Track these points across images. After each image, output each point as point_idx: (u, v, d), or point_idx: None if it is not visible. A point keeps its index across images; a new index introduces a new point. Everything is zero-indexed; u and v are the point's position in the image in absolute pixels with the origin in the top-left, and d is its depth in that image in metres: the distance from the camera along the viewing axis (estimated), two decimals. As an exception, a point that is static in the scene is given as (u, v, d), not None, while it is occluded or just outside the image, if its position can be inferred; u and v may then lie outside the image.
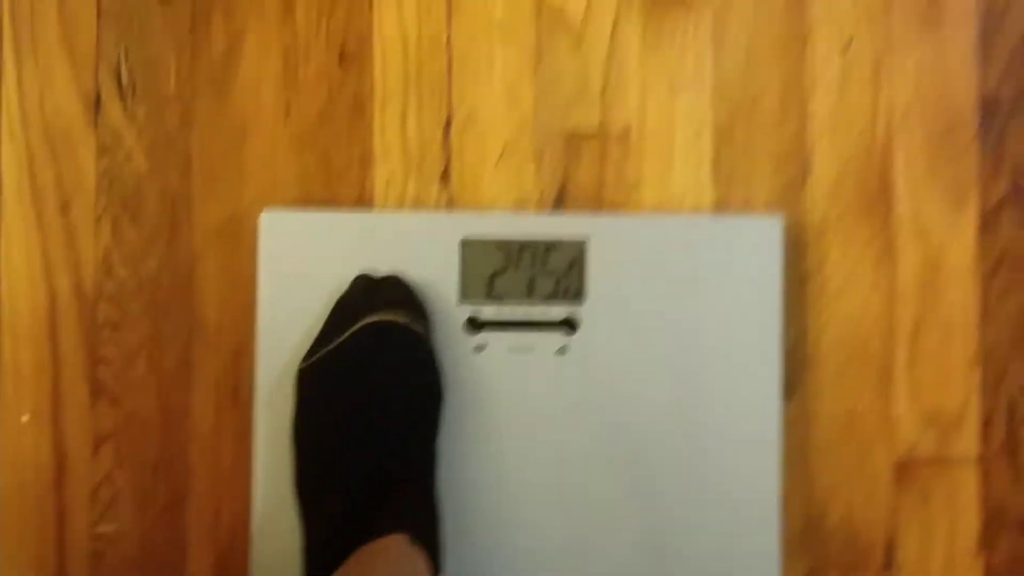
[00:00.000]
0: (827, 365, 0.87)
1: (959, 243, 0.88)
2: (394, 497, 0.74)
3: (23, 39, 0.84)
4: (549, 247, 0.84)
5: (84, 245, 0.83)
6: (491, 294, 0.83)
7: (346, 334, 0.77)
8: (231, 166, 0.84)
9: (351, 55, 0.85)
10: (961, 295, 0.88)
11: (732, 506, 0.84)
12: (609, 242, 0.84)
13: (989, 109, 0.88)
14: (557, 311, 0.83)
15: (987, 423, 0.87)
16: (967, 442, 0.87)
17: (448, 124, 0.86)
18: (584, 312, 0.84)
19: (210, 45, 0.85)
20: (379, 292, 0.80)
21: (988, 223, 0.88)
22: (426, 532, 0.75)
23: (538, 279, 0.84)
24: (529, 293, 0.84)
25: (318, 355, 0.78)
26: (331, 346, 0.78)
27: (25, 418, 0.82)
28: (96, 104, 0.84)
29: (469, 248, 0.84)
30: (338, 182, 0.85)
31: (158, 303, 0.83)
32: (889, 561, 0.86)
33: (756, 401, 0.84)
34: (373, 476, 0.74)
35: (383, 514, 0.73)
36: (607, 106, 0.86)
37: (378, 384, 0.76)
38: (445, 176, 0.85)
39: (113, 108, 0.84)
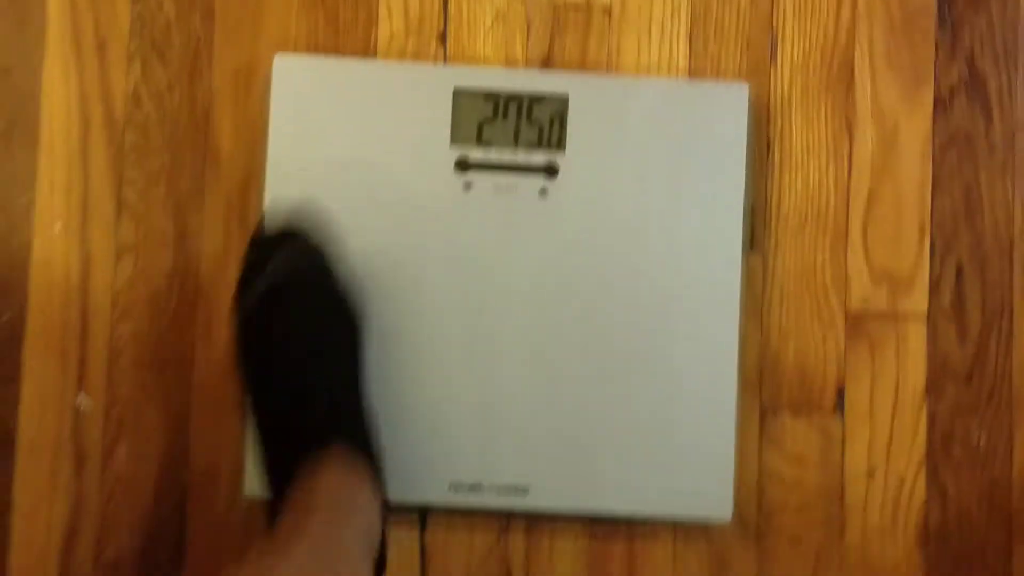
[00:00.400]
0: (787, 224, 0.94)
1: (914, 122, 0.95)
2: (340, 414, 0.80)
3: (73, -101, 0.94)
4: (534, 99, 0.92)
5: (116, 80, 0.93)
6: (480, 139, 0.92)
7: (263, 282, 0.82)
8: (249, 17, 0.94)
9: (364, -76, 0.95)
10: (914, 169, 0.95)
11: (695, 348, 0.91)
12: (589, 99, 0.92)
13: (947, 1, 0.96)
14: (539, 158, 0.92)
15: (935, 284, 0.94)
16: (917, 300, 0.94)
17: (448, -9, 0.95)
18: (564, 160, 0.92)
19: (237, -89, 0.95)
20: (284, 238, 0.85)
21: (942, 105, 0.95)
22: (367, 446, 0.81)
23: (523, 128, 0.92)
24: (515, 140, 0.92)
25: (246, 302, 0.83)
26: (254, 294, 0.82)
27: (57, 227, 0.91)
28: (135, -43, 0.94)
29: (461, 97, 0.92)
30: (345, 37, 0.94)
31: (179, 134, 0.92)
32: (839, 404, 0.93)
33: (720, 252, 0.92)
34: (320, 398, 0.80)
35: (329, 429, 0.79)
36: (594, -19, 0.95)
37: (305, 324, 0.81)
38: (442, 37, 0.94)
39: (149, -39, 0.94)
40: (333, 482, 0.76)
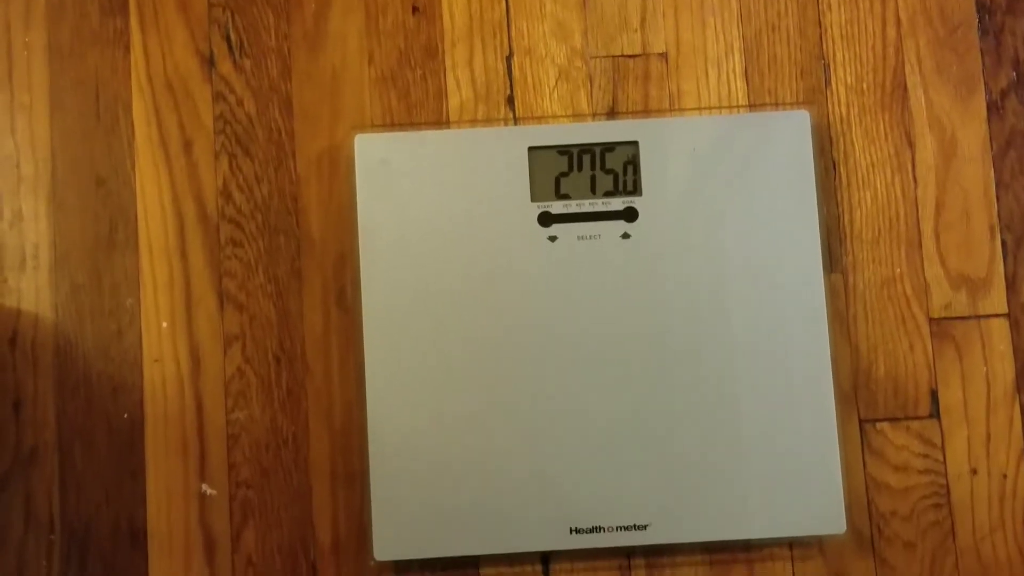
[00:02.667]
0: (862, 240, 0.97)
1: (970, 128, 0.99)
2: None
3: (146, 11, 0.98)
4: (606, 149, 0.96)
5: (206, 177, 0.97)
6: (558, 193, 0.95)
7: None
8: (326, 104, 0.98)
9: (423, 6, 0.99)
10: (976, 173, 0.98)
11: (789, 370, 0.93)
12: (658, 141, 0.96)
13: (987, 10, 1.00)
14: (617, 203, 0.95)
15: (1012, 282, 0.97)
16: (996, 300, 0.97)
17: (509, 57, 0.99)
18: (642, 203, 0.95)
19: (302, 6, 0.99)
20: None
21: (995, 109, 0.99)
22: None
23: (598, 178, 0.96)
24: (592, 190, 0.96)
25: None
26: None
27: (164, 325, 0.95)
28: (210, 61, 0.98)
29: (536, 154, 0.96)
30: (418, 111, 0.98)
31: (271, 222, 0.96)
32: (934, 408, 0.95)
33: (801, 276, 0.95)
34: None
35: None
36: (647, 33, 0.99)
37: None
38: (510, 100, 0.98)
39: (224, 63, 0.98)
40: None
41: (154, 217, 0.96)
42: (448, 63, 0.99)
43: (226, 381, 0.94)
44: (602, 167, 0.95)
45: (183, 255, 0.96)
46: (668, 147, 0.95)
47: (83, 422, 0.94)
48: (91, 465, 0.94)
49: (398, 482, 0.91)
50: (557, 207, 0.95)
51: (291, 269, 0.96)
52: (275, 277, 0.96)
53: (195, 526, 0.93)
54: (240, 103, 0.98)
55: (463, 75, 0.98)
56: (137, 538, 0.93)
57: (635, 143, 0.95)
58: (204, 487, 0.93)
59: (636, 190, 0.95)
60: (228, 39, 0.98)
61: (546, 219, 0.95)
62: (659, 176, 0.95)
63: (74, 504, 0.93)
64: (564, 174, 0.95)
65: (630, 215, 0.95)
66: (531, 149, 0.95)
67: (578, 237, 0.94)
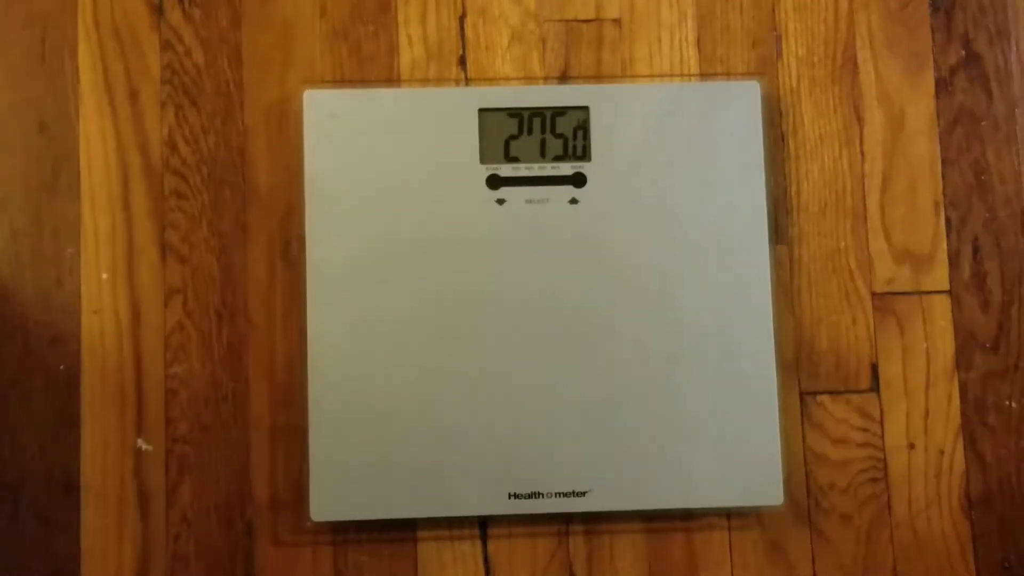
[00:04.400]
0: (808, 213, 0.97)
1: (919, 104, 0.99)
2: None
3: (95, -44, 0.97)
4: (556, 113, 0.95)
5: (151, 127, 0.95)
6: (508, 156, 0.95)
7: None
8: (276, 57, 0.97)
9: (377, -40, 0.98)
10: (923, 149, 0.99)
11: (732, 340, 0.94)
12: (609, 107, 0.96)
13: (938, -12, 1.00)
14: (567, 168, 0.95)
15: (955, 259, 0.98)
16: (938, 276, 0.97)
17: (463, 17, 0.98)
18: (591, 169, 0.95)
19: (255, -44, 0.98)
20: None
21: (943, 86, 0.99)
22: None
23: (548, 142, 0.95)
24: (541, 154, 0.95)
25: None
26: None
27: (104, 276, 0.94)
28: (159, 9, 0.97)
29: (486, 116, 0.95)
30: (369, 67, 0.97)
31: (216, 174, 0.95)
32: (874, 382, 0.96)
33: (748, 246, 0.95)
34: None
35: None
36: (601, -3, 0.99)
37: None
38: (462, 61, 0.98)
39: (173, 12, 0.97)
40: None
41: (97, 165, 0.95)
42: (401, 19, 0.98)
43: (166, 334, 0.93)
44: (552, 131, 0.95)
45: (126, 205, 0.94)
46: (619, 113, 0.95)
47: (19, 371, 0.92)
48: (26, 415, 0.92)
49: (337, 442, 0.91)
50: (506, 170, 0.94)
51: (236, 222, 0.95)
52: (219, 230, 0.95)
53: (130, 480, 0.92)
54: (188, 53, 0.96)
55: (415, 32, 0.98)
56: (70, 490, 0.92)
57: (586, 108, 0.95)
58: (140, 442, 0.92)
59: (586, 155, 0.95)
60: (178, -13, 0.97)
61: (494, 182, 0.94)
62: (609, 142, 0.95)
63: (7, 454, 0.92)
64: (514, 137, 0.95)
65: (579, 180, 0.94)
66: (481, 111, 0.95)
67: (526, 201, 0.94)
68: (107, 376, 0.92)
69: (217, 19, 0.96)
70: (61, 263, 0.93)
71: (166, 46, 0.96)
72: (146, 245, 0.94)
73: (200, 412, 0.93)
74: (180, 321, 0.93)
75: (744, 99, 0.96)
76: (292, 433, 0.92)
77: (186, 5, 0.96)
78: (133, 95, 0.95)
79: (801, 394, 0.96)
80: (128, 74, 0.96)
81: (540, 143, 0.95)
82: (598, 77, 0.97)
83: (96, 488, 0.92)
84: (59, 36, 0.96)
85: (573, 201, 0.94)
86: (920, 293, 0.97)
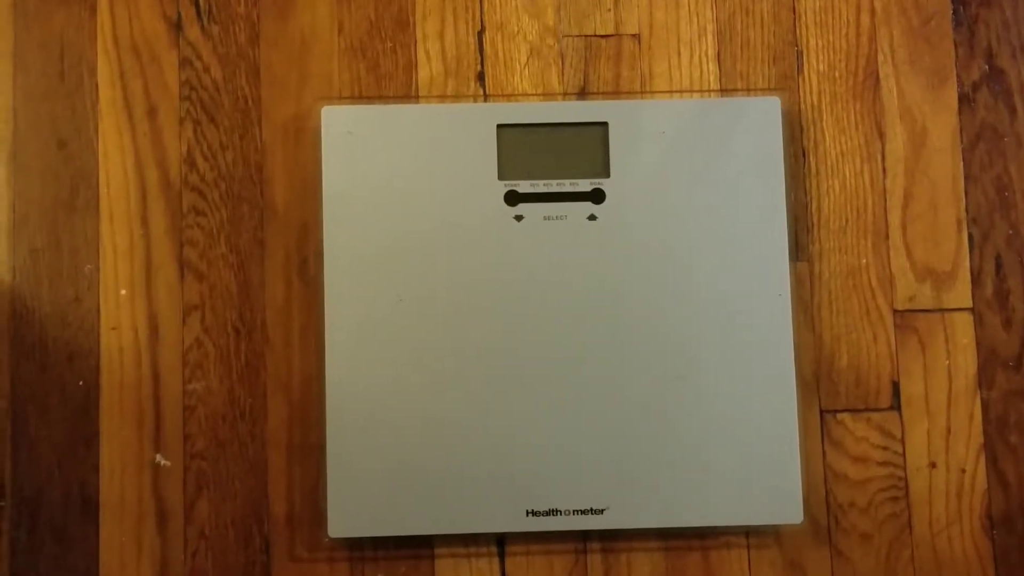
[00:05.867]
0: (829, 229, 0.97)
1: (941, 120, 0.98)
2: None
3: (114, -28, 0.97)
4: (575, 129, 0.95)
5: (170, 143, 0.95)
6: (526, 172, 0.95)
7: None
8: (293, 74, 0.97)
9: (396, -24, 0.98)
10: (945, 165, 0.98)
11: (752, 357, 0.93)
12: (628, 123, 0.95)
13: (961, 1, 0.99)
14: (585, 184, 0.94)
15: (977, 276, 0.97)
16: (960, 293, 0.96)
17: (481, 33, 0.98)
18: (609, 185, 0.94)
19: (274, -28, 0.98)
20: None
21: (966, 102, 0.98)
22: None
23: (567, 158, 0.95)
24: (560, 170, 0.95)
25: None
26: None
27: (123, 292, 0.94)
28: (177, 25, 0.97)
29: (505, 132, 0.95)
30: (387, 84, 0.97)
31: (234, 191, 0.95)
32: (895, 400, 0.95)
33: (767, 263, 0.94)
34: None
35: None
36: (620, 12, 0.98)
37: None
38: (480, 77, 0.97)
39: (192, 28, 0.97)
40: None
41: (116, 182, 0.95)
42: (419, 35, 0.98)
43: (184, 351, 0.93)
44: (571, 147, 0.95)
45: (144, 222, 0.95)
46: (638, 129, 0.95)
47: (38, 388, 0.93)
48: (44, 431, 0.92)
49: (355, 458, 0.90)
50: (524, 186, 0.94)
51: (253, 239, 0.95)
52: (237, 247, 0.95)
53: (148, 496, 0.92)
54: (207, 69, 0.96)
55: (433, 48, 0.97)
56: (89, 506, 0.92)
57: (605, 124, 0.95)
58: (158, 457, 0.92)
59: (604, 172, 0.94)
60: (197, 4, 0.97)
61: (513, 198, 0.94)
62: (628, 158, 0.94)
63: (26, 470, 0.92)
64: (532, 153, 0.95)
65: (597, 197, 0.94)
66: (500, 127, 0.95)
67: (544, 217, 0.94)
68: (125, 392, 0.93)
69: (235, 36, 0.97)
70: (79, 280, 0.94)
71: (185, 63, 0.96)
72: (164, 262, 0.94)
73: (218, 428, 0.93)
74: (198, 338, 0.93)
75: (764, 115, 0.95)
76: (309, 450, 0.92)
77: (204, 22, 0.97)
78: (152, 112, 0.95)
79: (821, 412, 0.95)
80: (147, 91, 0.96)
81: (559, 159, 0.95)
82: (617, 93, 0.97)
83: (114, 504, 0.92)
84: (78, 54, 0.96)
85: (592, 217, 0.94)
86: (942, 311, 0.96)
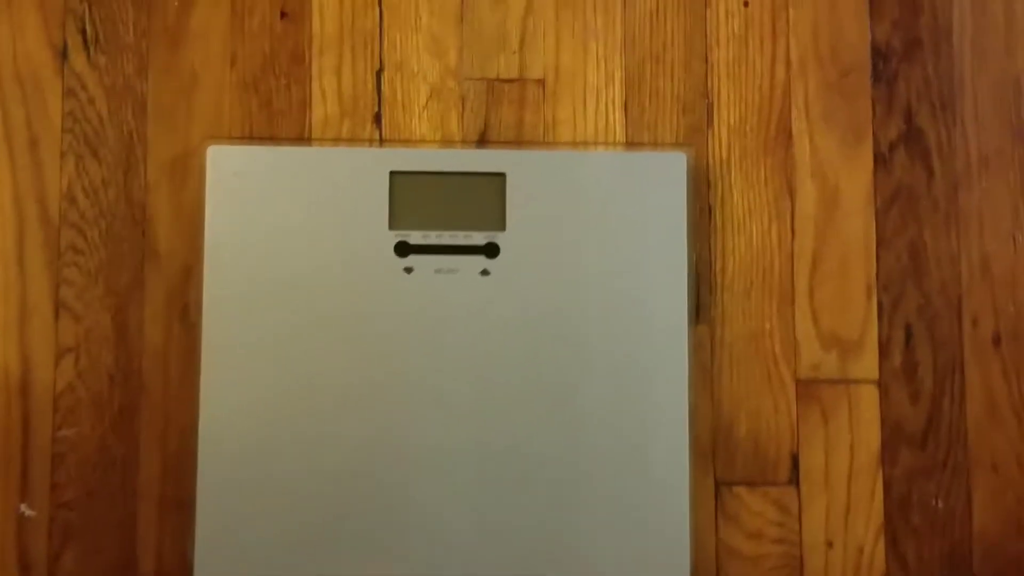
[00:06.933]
0: (732, 291, 0.93)
1: (855, 180, 0.95)
2: None
3: (-1, -4, 0.93)
4: (471, 179, 0.91)
5: (50, 177, 0.92)
6: (418, 222, 0.91)
7: None
8: (182, 109, 0.93)
9: (292, 10, 0.94)
10: (858, 228, 0.94)
11: (643, 423, 0.90)
12: (527, 175, 0.91)
13: (881, 56, 0.95)
14: (479, 237, 0.91)
15: (885, 346, 0.93)
16: (867, 364, 0.93)
17: (380, 72, 0.94)
18: (504, 239, 0.91)
19: (165, 1, 0.94)
20: None
21: (883, 161, 0.95)
22: None
23: (462, 209, 0.91)
24: (453, 221, 0.91)
25: None
26: None
27: (-7, 333, 0.91)
28: (63, 53, 0.93)
29: (398, 180, 0.91)
30: (280, 123, 0.93)
31: (115, 229, 0.91)
32: (794, 474, 0.92)
33: (665, 324, 0.91)
34: None
35: None
36: (525, 56, 0.94)
37: None
38: (377, 118, 0.94)
39: (78, 57, 0.93)
40: None
41: (-8, 217, 0.91)
42: (315, 71, 0.94)
43: (56, 395, 0.90)
44: (467, 198, 0.91)
45: (20, 259, 0.91)
46: (537, 181, 0.91)
47: (-98, 428, 0.90)
48: (-93, 474, 0.89)
49: (226, 516, 0.87)
50: (415, 237, 0.90)
51: (134, 281, 0.91)
52: (116, 289, 0.91)
53: (11, 548, 0.89)
54: (92, 101, 0.93)
55: (329, 86, 0.93)
56: (-51, 555, 0.89)
57: (503, 175, 0.91)
58: (23, 507, 0.89)
59: (500, 225, 0.91)
60: (84, 32, 0.93)
61: (403, 249, 0.90)
62: (525, 212, 0.91)
63: None
64: (425, 203, 0.91)
65: (491, 251, 0.90)
66: (393, 174, 0.91)
67: (435, 270, 0.90)
68: (-8, 437, 0.89)
69: (123, 66, 0.93)
70: (-51, 318, 0.90)
71: (69, 93, 0.92)
72: (40, 301, 0.91)
73: (88, 478, 0.90)
74: (71, 383, 0.90)
75: (670, 171, 0.92)
76: (181, 504, 0.89)
77: (91, 51, 0.93)
78: (33, 143, 0.92)
79: (716, 483, 0.92)
80: (28, 121, 0.92)
81: (453, 210, 0.91)
82: (518, 141, 0.93)
83: (-26, 554, 0.89)
84: (-43, 80, 0.92)
85: (484, 272, 0.90)
86: (847, 381, 0.93)
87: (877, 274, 0.93)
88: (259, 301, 0.89)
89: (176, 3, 0.94)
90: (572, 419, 0.90)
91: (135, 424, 0.90)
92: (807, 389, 0.92)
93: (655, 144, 0.94)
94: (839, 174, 0.94)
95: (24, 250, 0.91)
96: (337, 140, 0.93)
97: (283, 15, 0.94)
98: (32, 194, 0.92)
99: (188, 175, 0.92)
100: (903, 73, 0.95)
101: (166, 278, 0.91)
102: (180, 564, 0.89)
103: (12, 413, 0.90)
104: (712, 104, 0.94)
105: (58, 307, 0.91)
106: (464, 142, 0.93)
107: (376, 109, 0.93)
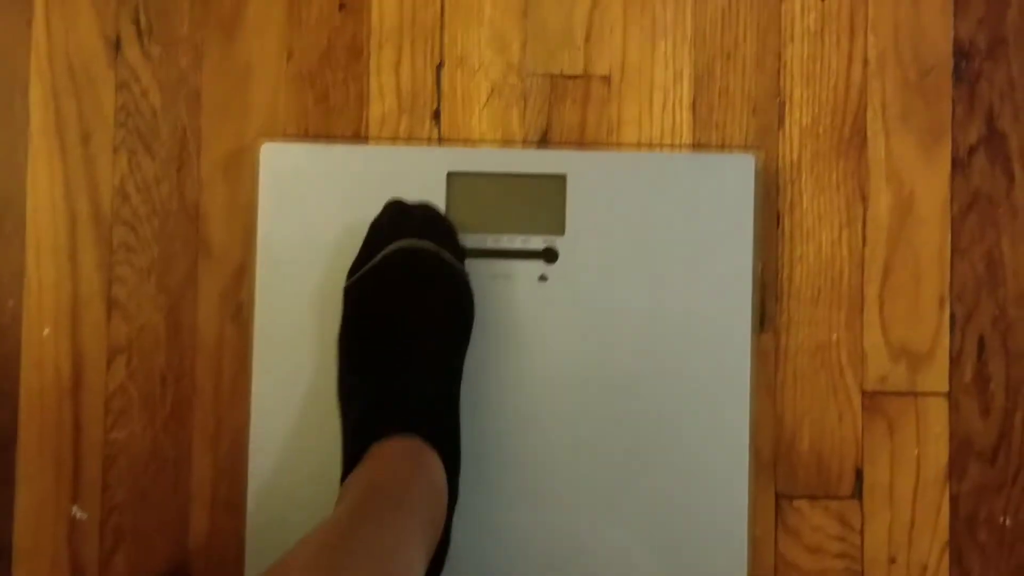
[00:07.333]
0: (799, 299, 0.90)
1: (931, 185, 0.91)
2: (414, 400, 0.79)
3: (51, -15, 0.91)
4: (531, 181, 0.89)
5: (102, 173, 0.90)
6: (475, 224, 0.88)
7: (378, 257, 0.82)
8: (237, 103, 0.90)
9: (351, 2, 0.91)
10: (932, 235, 0.91)
11: (704, 433, 0.88)
12: (588, 177, 0.89)
13: (964, 55, 0.91)
14: (538, 242, 0.88)
15: (956, 359, 0.90)
16: (937, 376, 0.90)
17: (440, 67, 0.91)
18: (564, 243, 0.88)
19: (220, -9, 0.91)
20: (409, 218, 0.85)
21: (961, 166, 0.91)
22: (443, 438, 0.80)
23: (520, 211, 0.89)
24: (511, 224, 0.88)
25: (358, 274, 0.83)
26: (367, 267, 0.83)
27: (46, 331, 0.89)
28: (116, 45, 0.91)
29: (456, 181, 0.89)
30: (336, 119, 0.91)
31: (168, 227, 0.90)
32: (858, 488, 0.89)
33: (728, 332, 0.88)
34: (397, 381, 0.79)
35: (401, 415, 0.78)
36: (591, 51, 0.91)
37: (409, 303, 0.81)
38: (436, 115, 0.91)
39: (131, 49, 0.91)
40: (404, 469, 0.75)
41: (44, 212, 0.90)
42: (373, 66, 0.91)
43: (107, 397, 0.89)
44: (525, 200, 0.88)
45: (72, 256, 0.90)
46: (598, 184, 0.88)
47: (-44, 424, 0.89)
48: (-40, 471, 0.89)
49: (275, 518, 0.87)
50: (472, 240, 0.88)
51: (186, 280, 0.90)
52: (168, 287, 0.90)
53: (63, 548, 0.89)
54: (145, 94, 0.90)
55: (388, 82, 0.91)
56: (1, 554, 0.88)
57: (563, 177, 0.88)
58: (75, 509, 0.88)
59: (559, 229, 0.88)
60: (137, 22, 0.91)
61: (459, 252, 0.88)
62: (585, 215, 0.88)
63: (-59, 510, 0.89)
64: (483, 205, 0.89)
65: (549, 256, 0.88)
66: (451, 174, 0.88)
67: (491, 276, 0.88)
68: (45, 437, 0.89)
69: (176, 59, 0.91)
70: (1, 315, 0.89)
71: (122, 86, 0.90)
72: (91, 299, 0.89)
73: (139, 480, 0.89)
74: (123, 383, 0.89)
75: (737, 174, 0.89)
76: (234, 506, 0.88)
77: (145, 42, 0.90)
78: (85, 138, 0.90)
79: (777, 496, 0.89)
80: (81, 115, 0.90)
81: (511, 213, 0.88)
82: (581, 141, 0.90)
83: (28, 555, 0.88)
84: (9, 71, 0.90)
85: (542, 278, 0.88)
86: (915, 394, 0.90)
87: (951, 284, 0.90)
88: (312, 302, 0.88)
89: (231, -7, 0.91)
90: (631, 429, 0.88)
91: (187, 425, 0.89)
92: (873, 401, 0.90)
93: (723, 146, 0.90)
94: (915, 179, 0.90)
95: (76, 247, 0.90)
96: (395, 138, 0.90)
97: (341, 6, 0.91)
98: (84, 190, 0.90)
99: (242, 172, 0.90)
100: (986, 73, 0.91)
101: (219, 277, 0.90)
102: (234, 564, 0.88)
103: (63, 414, 0.89)
104: (784, 104, 0.91)
105: (110, 306, 0.89)
106: (525, 142, 0.90)
107: (436, 106, 0.91)
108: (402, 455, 0.77)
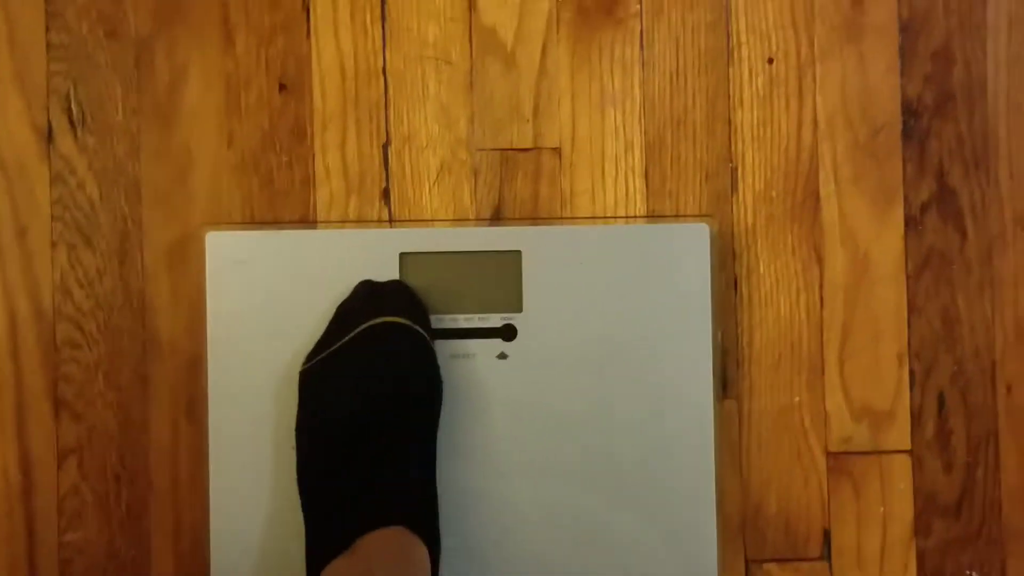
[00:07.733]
0: (760, 364, 0.90)
1: (886, 244, 0.91)
2: (395, 490, 0.78)
3: (-22, 75, 0.88)
4: (485, 259, 0.87)
5: (41, 269, 0.87)
6: (432, 306, 0.87)
7: (348, 336, 0.81)
8: (178, 191, 0.88)
9: (291, 83, 0.89)
10: (889, 295, 0.91)
11: (671, 501, 0.87)
12: (543, 252, 0.87)
13: (912, 113, 0.91)
14: (496, 319, 0.87)
15: (917, 416, 0.90)
16: (899, 434, 0.90)
17: (387, 145, 0.89)
18: (522, 319, 0.87)
19: (155, 77, 0.88)
20: (381, 297, 0.84)
21: (914, 224, 0.91)
22: (425, 524, 0.79)
23: (476, 290, 0.87)
24: (468, 303, 0.87)
25: (320, 357, 0.81)
26: (333, 348, 0.81)
27: (-9, 436, 0.86)
28: (48, 136, 0.88)
29: (408, 262, 0.87)
30: (282, 203, 0.89)
31: (113, 322, 0.87)
32: (826, 549, 0.89)
33: (691, 400, 0.88)
34: (375, 470, 0.78)
35: (384, 506, 0.77)
36: (540, 123, 0.90)
37: (381, 382, 0.80)
38: (386, 195, 0.89)
39: (64, 139, 0.88)
40: (394, 565, 0.74)
41: (-18, 313, 0.87)
42: (318, 147, 0.89)
43: (60, 499, 0.86)
44: (481, 278, 0.87)
45: (14, 356, 0.87)
46: (554, 258, 0.87)
47: (-99, 537, 0.86)
48: (-92, 586, 0.86)
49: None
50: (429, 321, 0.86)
51: (135, 375, 0.87)
52: (117, 384, 0.87)
53: (20, 662, 0.86)
54: (81, 186, 0.88)
55: (334, 162, 0.89)
56: (-43, 670, 0.86)
57: (518, 253, 0.87)
58: (31, 620, 0.86)
59: (517, 306, 0.87)
60: (69, 112, 0.88)
61: (417, 335, 0.86)
62: (542, 291, 0.87)
63: None
64: (438, 285, 0.87)
65: (508, 333, 0.87)
66: (403, 255, 0.87)
67: (451, 355, 0.86)
68: (-4, 545, 0.86)
69: (112, 148, 0.88)
70: (-56, 422, 0.86)
71: (57, 178, 0.87)
72: (37, 400, 0.86)
73: (97, 583, 0.86)
74: (75, 484, 0.86)
75: (693, 243, 0.88)
76: (196, 605, 0.86)
77: (78, 132, 0.87)
78: (21, 233, 0.87)
79: (747, 561, 0.89)
80: (15, 209, 0.87)
81: (467, 292, 0.87)
82: (534, 215, 0.89)
83: (-17, 670, 0.86)
84: (-62, 168, 0.87)
85: (502, 356, 0.87)
86: (879, 453, 0.90)
87: (909, 342, 0.90)
88: (267, 392, 0.86)
89: (167, 78, 0.88)
90: (599, 501, 0.87)
91: (144, 525, 0.87)
92: (838, 462, 0.90)
93: (677, 214, 0.89)
94: (869, 239, 0.90)
95: (18, 347, 0.87)
96: (344, 220, 0.88)
97: (282, 88, 0.89)
98: (23, 287, 0.87)
99: (188, 262, 0.87)
100: (935, 130, 0.91)
101: (169, 371, 0.87)
102: (198, 668, 0.86)
103: (15, 518, 0.86)
104: (736, 169, 0.90)
105: (57, 406, 0.87)
106: (478, 218, 0.89)
107: (384, 185, 0.89)
108: (389, 548, 0.76)
